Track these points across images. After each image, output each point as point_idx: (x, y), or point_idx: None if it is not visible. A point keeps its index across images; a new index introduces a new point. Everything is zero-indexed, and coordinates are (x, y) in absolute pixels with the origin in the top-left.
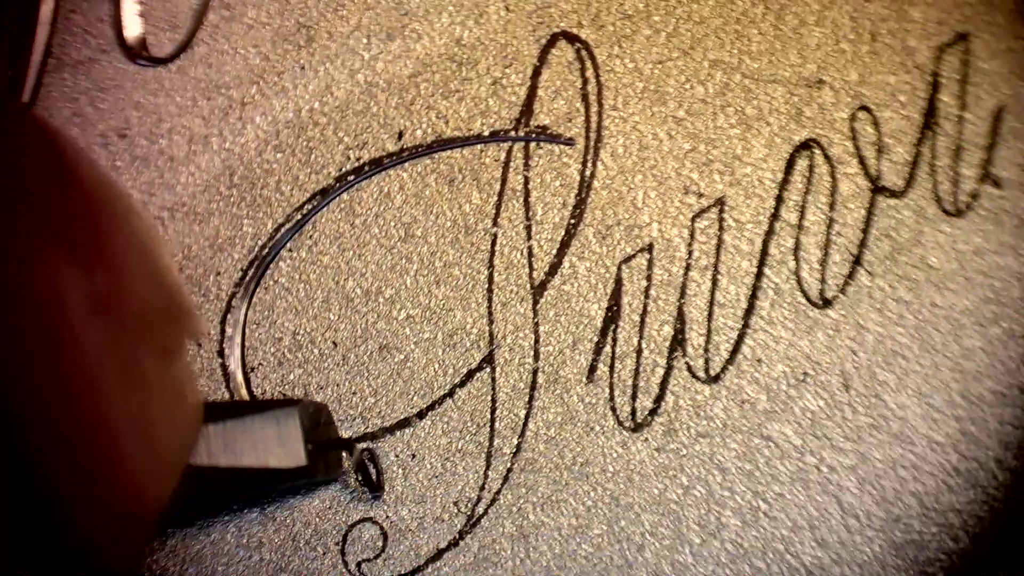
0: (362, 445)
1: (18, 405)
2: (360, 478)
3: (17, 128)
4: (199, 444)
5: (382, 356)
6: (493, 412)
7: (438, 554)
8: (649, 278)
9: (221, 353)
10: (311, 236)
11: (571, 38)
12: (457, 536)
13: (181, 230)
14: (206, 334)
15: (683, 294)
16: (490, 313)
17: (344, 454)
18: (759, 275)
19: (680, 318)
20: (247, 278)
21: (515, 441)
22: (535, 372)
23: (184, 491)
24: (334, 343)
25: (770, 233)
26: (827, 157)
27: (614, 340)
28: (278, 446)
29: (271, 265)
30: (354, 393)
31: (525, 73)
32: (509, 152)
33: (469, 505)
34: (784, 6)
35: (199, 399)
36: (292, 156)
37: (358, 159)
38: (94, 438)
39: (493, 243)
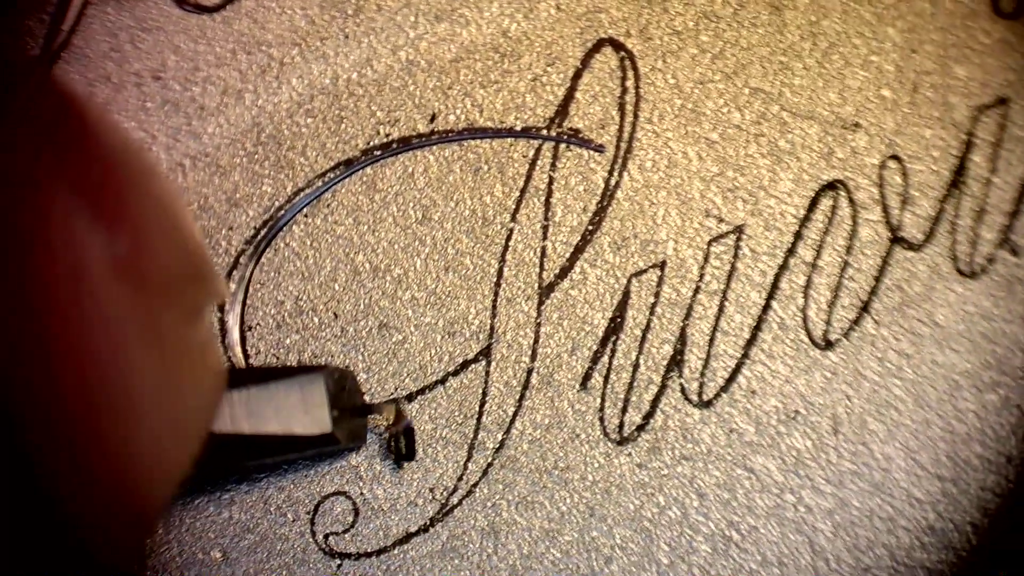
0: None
1: (31, 381)
2: (401, 442)
3: (34, 87)
4: (222, 411)
5: (380, 334)
6: (482, 405)
7: (406, 537)
8: (657, 295)
9: (221, 308)
10: (329, 205)
11: (617, 46)
12: (428, 522)
13: (200, 180)
14: (229, 298)
15: (688, 315)
16: (494, 307)
17: (378, 418)
18: (766, 307)
19: (682, 339)
20: (259, 237)
21: (499, 437)
22: (530, 372)
23: (206, 459)
24: (335, 314)
25: (784, 267)
26: (851, 200)
27: (613, 351)
28: (303, 413)
29: (284, 228)
30: (347, 366)
31: (566, 74)
32: (538, 150)
33: (444, 493)
34: (832, 45)
35: (221, 364)
36: (322, 123)
37: (387, 135)
38: (113, 406)
39: (508, 238)
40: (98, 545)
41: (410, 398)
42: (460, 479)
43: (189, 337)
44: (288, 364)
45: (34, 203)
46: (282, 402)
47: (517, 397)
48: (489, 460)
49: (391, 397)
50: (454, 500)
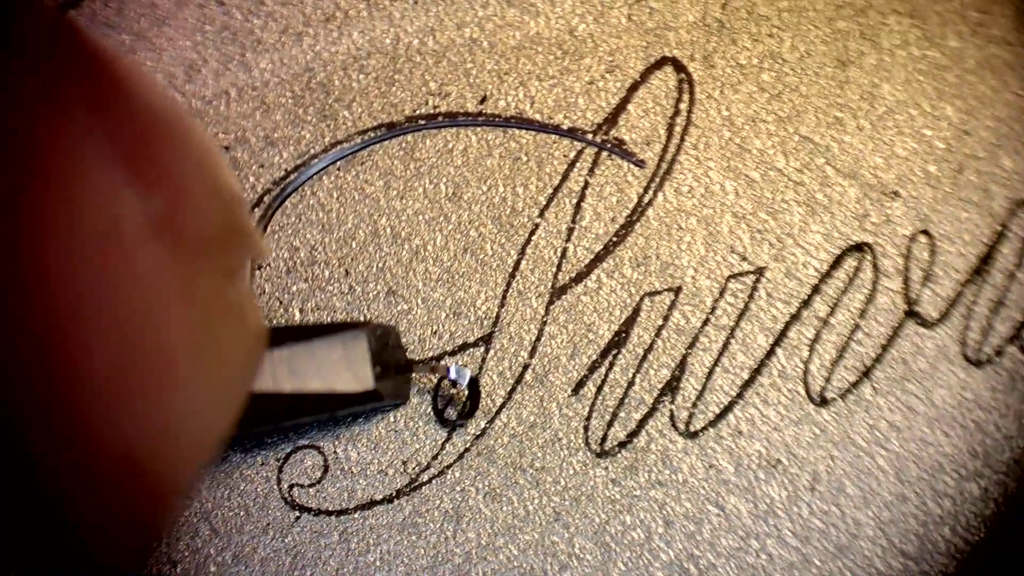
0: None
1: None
2: (465, 397)
3: (63, 43)
4: (263, 369)
5: (387, 299)
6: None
7: (370, 504)
8: (666, 318)
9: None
10: (363, 163)
11: (679, 67)
12: (394, 494)
13: (242, 112)
14: (269, 256)
15: (692, 345)
16: (504, 297)
17: (423, 376)
18: (771, 353)
19: (681, 366)
20: (287, 179)
21: (482, 425)
22: (526, 367)
23: (247, 417)
24: (347, 271)
25: (795, 318)
26: (875, 266)
27: (611, 364)
28: (345, 369)
29: (315, 176)
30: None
31: (623, 84)
32: (580, 153)
33: (416, 469)
34: (889, 111)
35: (262, 322)
36: (374, 82)
37: (435, 107)
38: (150, 368)
39: (532, 232)
40: (99, 546)
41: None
42: (435, 458)
43: (228, 296)
44: (321, 322)
45: (68, 163)
46: (324, 359)
47: (508, 389)
48: (467, 446)
49: (434, 355)
50: (424, 477)
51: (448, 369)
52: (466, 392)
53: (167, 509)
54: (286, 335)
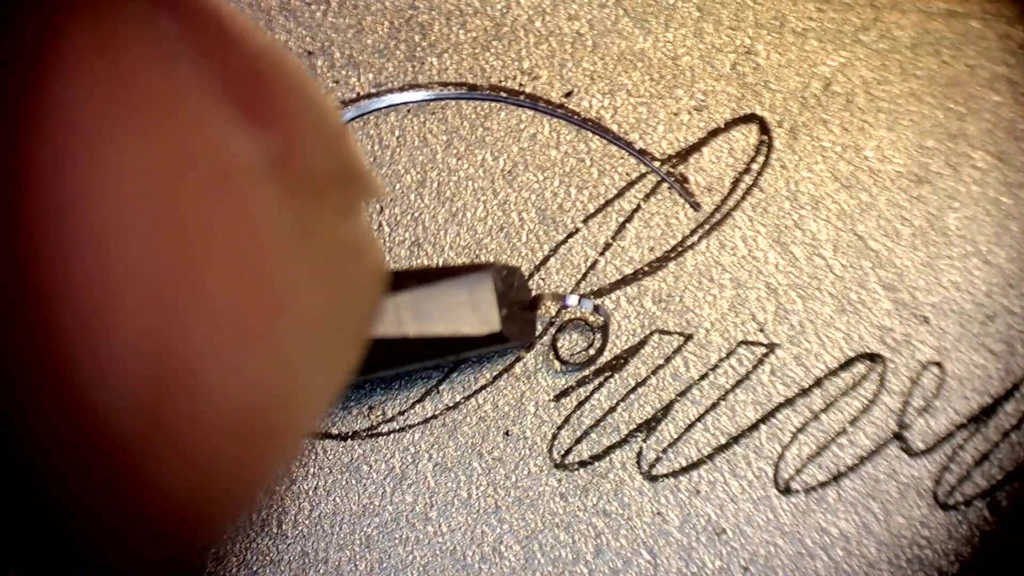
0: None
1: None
2: (599, 335)
3: None
4: (387, 314)
5: (410, 249)
6: (458, 363)
7: (321, 436)
8: (668, 360)
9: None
10: (432, 113)
11: (764, 128)
12: (348, 434)
13: (337, 25)
14: (385, 195)
15: (683, 393)
16: None
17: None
18: (755, 427)
19: (665, 410)
20: (357, 101)
21: (457, 398)
22: (518, 359)
23: (369, 361)
24: (382, 208)
25: (790, 402)
26: (882, 380)
27: (600, 385)
28: (471, 312)
29: (379, 111)
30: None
31: (706, 126)
32: (642, 176)
33: (379, 418)
34: (948, 240)
35: (383, 262)
36: (472, 41)
37: (521, 85)
38: (268, 308)
39: (570, 235)
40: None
41: None
42: (401, 414)
43: (346, 235)
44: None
45: (178, 106)
46: (449, 302)
47: (494, 374)
48: (436, 412)
49: (554, 290)
50: (384, 429)
51: (568, 298)
52: (599, 320)
53: (286, 460)
54: (410, 278)
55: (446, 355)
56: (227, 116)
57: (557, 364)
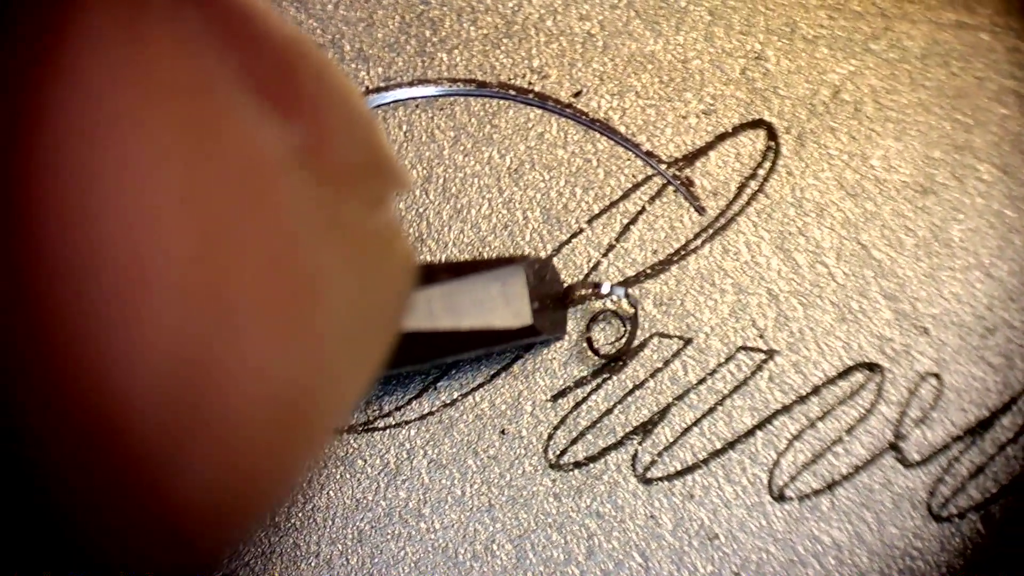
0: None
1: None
2: (631, 312)
3: None
4: (418, 307)
5: (412, 245)
6: (457, 362)
7: None
8: (667, 363)
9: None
10: (440, 109)
11: (771, 134)
12: (344, 428)
13: (348, 18)
14: (413, 185)
15: (681, 397)
16: None
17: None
18: (751, 433)
19: (662, 413)
20: (366, 96)
21: (454, 396)
22: (517, 358)
23: (401, 355)
24: None
25: (787, 409)
26: (879, 390)
27: (598, 387)
28: (503, 305)
29: (389, 105)
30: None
31: (713, 130)
32: (648, 178)
33: (375, 413)
34: (951, 252)
35: (413, 254)
36: (483, 38)
37: (530, 83)
38: (298, 299)
39: (574, 235)
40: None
41: None
42: (397, 409)
43: (375, 227)
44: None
45: (206, 97)
46: (482, 296)
47: (492, 373)
48: (433, 409)
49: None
50: (380, 424)
51: (600, 286)
52: (630, 308)
53: (315, 456)
54: (442, 271)
55: (478, 348)
56: (255, 107)
57: (592, 357)
